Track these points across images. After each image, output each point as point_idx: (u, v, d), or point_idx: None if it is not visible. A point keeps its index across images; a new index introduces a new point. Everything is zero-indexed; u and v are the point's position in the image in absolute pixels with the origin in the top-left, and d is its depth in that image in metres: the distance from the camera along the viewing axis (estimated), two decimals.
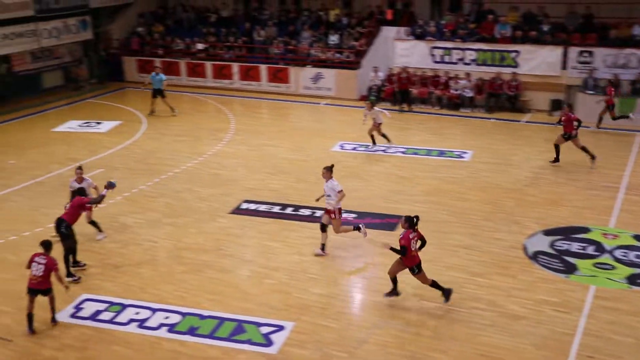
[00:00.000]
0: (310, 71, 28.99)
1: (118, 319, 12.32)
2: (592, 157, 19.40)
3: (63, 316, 12.44)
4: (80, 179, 15.20)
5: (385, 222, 16.14)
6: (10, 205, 17.83)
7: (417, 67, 27.37)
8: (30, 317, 12.00)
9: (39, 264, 11.90)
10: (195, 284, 13.52)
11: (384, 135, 21.61)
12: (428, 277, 12.41)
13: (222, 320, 12.17)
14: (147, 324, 12.15)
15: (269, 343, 11.48)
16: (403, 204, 17.18)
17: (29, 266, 12.03)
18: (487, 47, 26.52)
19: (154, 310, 12.54)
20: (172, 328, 12.00)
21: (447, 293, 12.47)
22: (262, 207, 17.22)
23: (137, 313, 12.48)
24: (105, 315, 12.45)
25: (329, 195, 14.36)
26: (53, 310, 12.25)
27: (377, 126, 21.48)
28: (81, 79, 31.95)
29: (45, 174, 19.98)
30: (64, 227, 13.69)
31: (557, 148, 19.72)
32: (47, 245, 12.12)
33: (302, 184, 18.69)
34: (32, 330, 11.93)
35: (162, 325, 12.09)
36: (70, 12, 30.57)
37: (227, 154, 21.62)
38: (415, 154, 21.20)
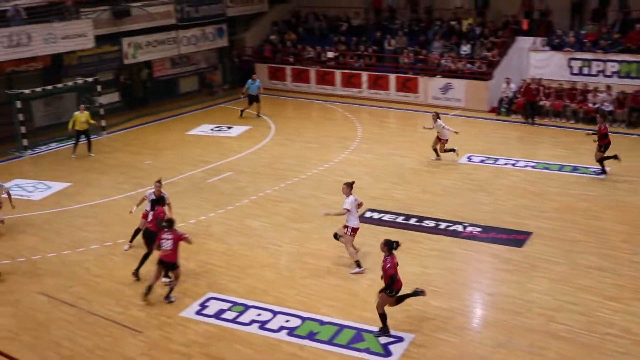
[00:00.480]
0: (439, 81, 28.65)
1: (240, 319, 12.58)
2: None
3: (189, 312, 12.86)
4: (159, 192, 15.17)
5: (512, 238, 15.67)
6: (143, 203, 18.58)
7: (552, 79, 26.46)
8: (149, 289, 13.11)
9: (167, 239, 12.87)
10: (316, 289, 13.62)
11: (440, 151, 21.34)
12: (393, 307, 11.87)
13: (342, 327, 12.18)
14: (268, 325, 12.34)
15: (387, 353, 11.38)
16: (531, 220, 16.64)
17: (158, 246, 12.99)
18: (633, 59, 25.24)
19: (275, 313, 12.73)
20: (292, 331, 12.13)
21: (384, 330, 11.84)
22: (386, 217, 17.14)
23: (259, 314, 12.71)
24: (229, 315, 12.75)
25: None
26: (171, 289, 13.27)
27: (443, 142, 21.15)
28: (215, 84, 33.06)
29: (178, 175, 20.76)
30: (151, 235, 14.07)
31: None
32: (170, 223, 13.09)
33: (428, 195, 18.48)
34: (147, 293, 13.12)
35: (282, 328, 12.25)
36: (209, 20, 31.76)
37: (353, 161, 21.70)
38: (546, 168, 20.47)
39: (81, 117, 22.84)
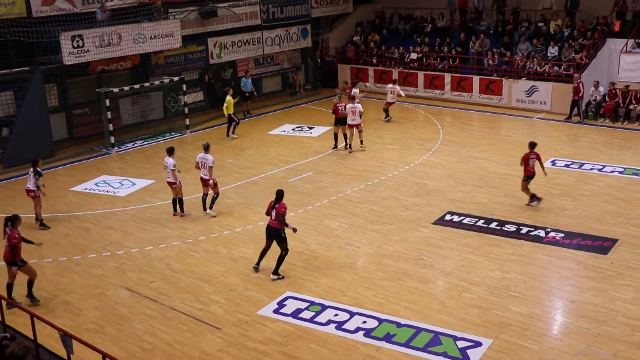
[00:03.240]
0: (525, 84, 28.04)
1: (318, 319, 12.61)
2: None
3: (267, 311, 12.97)
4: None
5: (596, 244, 15.18)
6: (225, 201, 18.92)
7: None
8: (262, 255, 14.38)
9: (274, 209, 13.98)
10: (394, 291, 13.52)
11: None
12: None
13: (419, 330, 12.06)
14: (345, 326, 12.32)
15: (465, 358, 11.19)
16: (618, 226, 16.08)
17: (268, 212, 14.17)
18: None
19: (352, 314, 12.70)
20: (368, 333, 12.07)
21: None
22: (466, 220, 16.88)
23: (335, 315, 12.71)
24: (306, 314, 12.79)
25: None
26: (280, 263, 14.19)
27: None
28: (297, 84, 33.32)
29: (259, 174, 21.00)
30: (283, 232, 14.15)
31: None
32: (280, 194, 14.21)
33: (509, 199, 18.10)
34: (257, 269, 14.46)
35: (359, 329, 12.21)
36: (293, 21, 32.06)
37: (434, 164, 21.47)
38: (635, 174, 19.74)
39: (232, 100, 25.11)
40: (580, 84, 25.79)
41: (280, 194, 14.30)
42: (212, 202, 17.94)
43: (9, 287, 13.37)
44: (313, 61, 34.12)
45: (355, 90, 25.83)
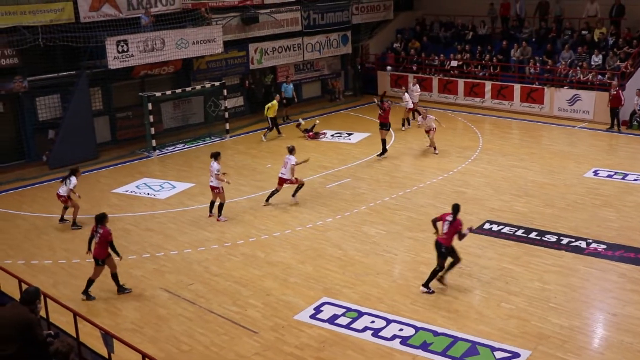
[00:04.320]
0: (567, 92, 27.71)
1: (354, 325, 12.60)
2: None
3: (303, 316, 13.01)
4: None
5: None
6: (264, 207, 19.01)
7: None
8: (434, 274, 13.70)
9: (448, 221, 13.51)
10: (431, 299, 13.46)
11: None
12: None
13: (456, 339, 11.98)
14: (382, 333, 12.29)
15: None
16: None
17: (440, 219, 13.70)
18: None
19: (389, 321, 12.67)
20: (405, 341, 12.03)
21: None
22: (505, 229, 16.73)
23: (372, 322, 12.69)
24: (342, 320, 12.80)
25: None
26: (432, 277, 13.67)
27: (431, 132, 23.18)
28: (337, 91, 33.38)
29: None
30: (444, 248, 13.65)
31: None
32: (456, 209, 13.58)
33: (550, 209, 17.89)
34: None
35: (395, 336, 12.18)
36: (333, 27, 32.16)
37: (473, 172, 21.33)
38: None
39: (276, 105, 26.05)
40: (620, 92, 25.39)
41: (456, 209, 13.56)
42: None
43: (114, 276, 14.13)
44: (353, 68, 34.16)
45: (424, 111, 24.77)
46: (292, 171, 18.63)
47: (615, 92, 25.38)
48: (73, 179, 17.64)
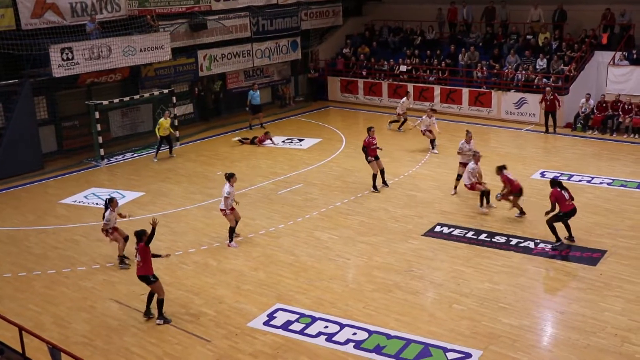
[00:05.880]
0: (513, 96, 28.21)
1: (308, 331, 12.59)
2: None
3: (257, 323, 12.94)
4: None
5: (585, 255, 15.24)
6: (216, 214, 18.80)
7: (631, 95, 25.68)
8: None
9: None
10: (384, 303, 13.52)
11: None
12: None
13: (409, 341, 12.05)
14: (335, 338, 12.30)
15: None
16: (607, 238, 16.15)
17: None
18: None
19: (342, 326, 12.69)
20: (359, 345, 12.06)
21: None
22: (456, 232, 16.92)
23: (326, 327, 12.70)
24: (296, 326, 12.77)
25: None
26: None
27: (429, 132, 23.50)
28: (287, 97, 33.38)
29: (249, 186, 20.97)
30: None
31: None
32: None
33: (499, 211, 18.15)
34: None
35: (349, 340, 12.20)
36: (283, 33, 32.17)
37: (424, 175, 21.53)
38: (624, 186, 19.85)
39: (165, 123, 24.08)
40: (556, 96, 25.92)
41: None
42: (229, 235, 16.78)
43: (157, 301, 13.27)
44: (303, 74, 34.23)
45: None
46: (226, 202, 16.51)
47: (552, 97, 25.88)
48: (107, 212, 15.44)
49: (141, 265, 13.03)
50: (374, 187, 20.07)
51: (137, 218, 18.27)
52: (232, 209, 16.61)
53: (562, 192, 15.54)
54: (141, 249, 12.97)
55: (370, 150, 20.02)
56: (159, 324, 13.06)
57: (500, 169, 17.67)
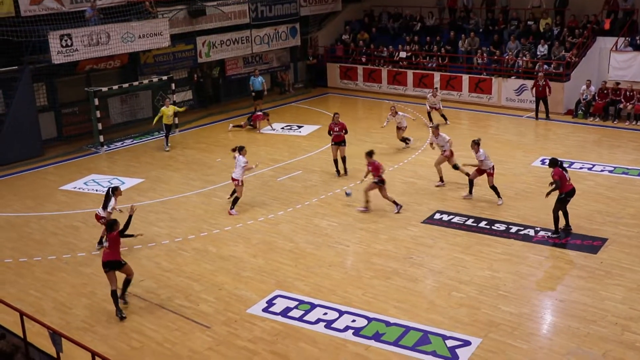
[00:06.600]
0: (514, 82, 28.13)
1: (307, 318, 12.61)
2: None
3: (256, 309, 12.96)
4: None
5: (586, 243, 15.23)
6: (215, 200, 18.90)
7: (634, 81, 25.61)
8: None
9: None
10: (383, 290, 13.53)
11: (404, 140, 22.75)
12: None
13: (408, 328, 12.07)
14: (334, 325, 12.32)
15: (454, 357, 11.21)
16: (608, 226, 16.13)
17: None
18: None
19: (342, 313, 12.70)
20: (358, 332, 12.08)
21: None
22: (455, 219, 16.91)
23: (325, 313, 12.71)
24: (295, 313, 12.79)
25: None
26: None
27: (402, 130, 22.71)
28: (286, 83, 33.29)
29: (248, 173, 20.88)
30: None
31: None
32: None
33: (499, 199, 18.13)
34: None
35: (348, 327, 12.21)
36: (282, 19, 32.03)
37: (423, 162, 21.49)
38: (625, 173, 19.82)
39: (167, 111, 23.76)
40: (548, 82, 25.89)
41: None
42: (233, 203, 17.88)
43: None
44: (305, 59, 34.14)
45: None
46: (242, 172, 17.64)
47: (544, 83, 25.81)
48: (112, 201, 15.44)
49: (109, 252, 12.99)
50: (337, 172, 20.58)
51: (134, 204, 18.32)
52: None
53: (564, 172, 15.55)
54: (113, 237, 12.95)
55: (333, 136, 20.38)
56: (124, 303, 13.22)
57: (369, 154, 17.70)
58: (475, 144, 17.78)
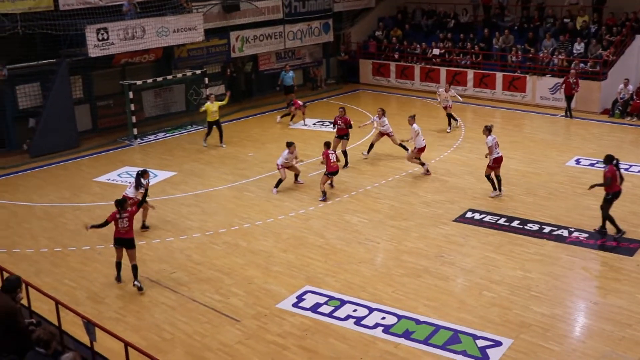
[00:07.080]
0: (549, 81, 27.81)
1: (336, 314, 12.61)
2: None
3: (286, 304, 13.00)
4: None
5: (622, 245, 15.02)
6: (246, 195, 18.98)
7: None
8: None
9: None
10: (413, 288, 13.49)
11: (401, 145, 21.62)
12: None
13: (438, 327, 12.02)
14: (364, 322, 12.31)
15: (485, 357, 11.14)
16: None
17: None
18: None
19: (371, 310, 12.68)
20: (387, 329, 12.06)
21: None
22: (487, 218, 16.79)
23: (354, 310, 12.70)
24: (325, 309, 12.80)
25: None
26: None
27: (391, 136, 21.76)
28: (319, 79, 33.29)
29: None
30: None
31: None
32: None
33: (531, 198, 17.97)
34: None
35: (378, 324, 12.20)
36: (315, 15, 32.04)
37: (455, 160, 21.37)
38: None
39: (212, 107, 23.29)
40: (578, 80, 25.60)
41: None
42: (277, 183, 19.08)
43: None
44: (337, 55, 34.11)
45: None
46: (283, 162, 19.05)
47: (575, 80, 25.46)
48: (139, 182, 15.91)
49: (128, 230, 13.51)
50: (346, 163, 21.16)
51: (167, 197, 18.49)
52: (290, 166, 19.17)
53: (617, 171, 15.25)
54: (132, 214, 13.56)
55: (337, 130, 21.50)
56: (140, 289, 13.64)
57: (327, 145, 18.71)
58: (487, 130, 18.10)
